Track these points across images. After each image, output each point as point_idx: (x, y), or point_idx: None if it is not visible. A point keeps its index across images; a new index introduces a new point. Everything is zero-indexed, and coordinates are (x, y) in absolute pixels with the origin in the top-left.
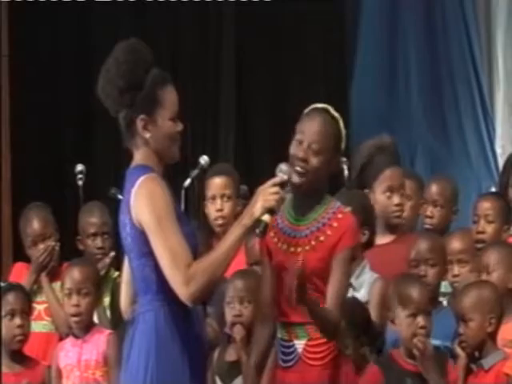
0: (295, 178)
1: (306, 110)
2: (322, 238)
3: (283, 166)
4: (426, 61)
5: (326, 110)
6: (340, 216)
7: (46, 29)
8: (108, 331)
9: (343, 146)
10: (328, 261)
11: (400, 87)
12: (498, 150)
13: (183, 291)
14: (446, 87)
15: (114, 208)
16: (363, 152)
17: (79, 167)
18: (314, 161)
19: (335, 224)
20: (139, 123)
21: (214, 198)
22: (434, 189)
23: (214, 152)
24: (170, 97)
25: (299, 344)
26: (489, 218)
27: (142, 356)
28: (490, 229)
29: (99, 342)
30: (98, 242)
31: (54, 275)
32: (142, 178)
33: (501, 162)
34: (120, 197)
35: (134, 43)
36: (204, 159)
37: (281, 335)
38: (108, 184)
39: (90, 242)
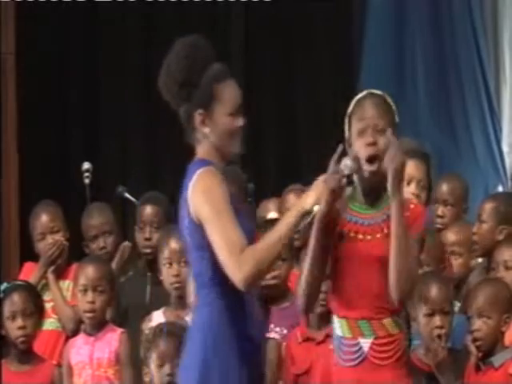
0: (369, 167)
1: (353, 103)
2: None
3: (348, 162)
4: (433, 60)
5: (369, 94)
6: (412, 206)
7: (52, 27)
8: (120, 330)
9: (397, 118)
10: None
11: (407, 87)
12: (505, 149)
13: (236, 276)
14: (453, 86)
15: (121, 206)
16: None
17: (86, 165)
18: (382, 141)
19: (407, 213)
20: (197, 118)
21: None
22: (444, 188)
23: None
24: (227, 92)
25: (365, 343)
26: (481, 218)
27: (197, 352)
28: (480, 230)
29: (111, 340)
30: (100, 242)
31: (61, 274)
32: (198, 172)
33: (507, 160)
34: (127, 195)
35: (195, 39)
36: None
37: (342, 333)
38: (115, 182)
39: (92, 245)
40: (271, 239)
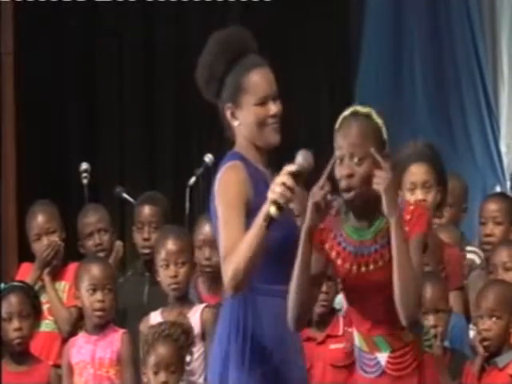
0: (345, 195)
1: (338, 120)
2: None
3: (299, 156)
4: (431, 61)
5: (353, 113)
6: (411, 208)
7: (50, 27)
8: (122, 330)
9: (385, 135)
10: None
11: (405, 87)
12: (503, 149)
13: (224, 282)
14: (451, 87)
15: (119, 206)
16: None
17: (84, 166)
18: (361, 170)
19: (408, 216)
20: (227, 111)
21: None
22: None
23: (219, 151)
24: (253, 82)
25: (382, 357)
26: (497, 220)
27: (218, 346)
28: (497, 230)
29: (113, 340)
30: (96, 239)
31: (56, 275)
32: (224, 166)
33: (505, 160)
34: (125, 195)
35: (227, 33)
36: (209, 157)
37: (360, 345)
38: (113, 183)
39: (88, 242)
40: (242, 244)
